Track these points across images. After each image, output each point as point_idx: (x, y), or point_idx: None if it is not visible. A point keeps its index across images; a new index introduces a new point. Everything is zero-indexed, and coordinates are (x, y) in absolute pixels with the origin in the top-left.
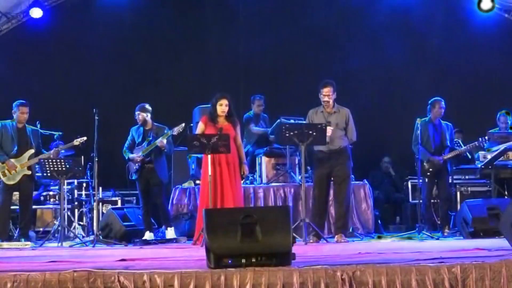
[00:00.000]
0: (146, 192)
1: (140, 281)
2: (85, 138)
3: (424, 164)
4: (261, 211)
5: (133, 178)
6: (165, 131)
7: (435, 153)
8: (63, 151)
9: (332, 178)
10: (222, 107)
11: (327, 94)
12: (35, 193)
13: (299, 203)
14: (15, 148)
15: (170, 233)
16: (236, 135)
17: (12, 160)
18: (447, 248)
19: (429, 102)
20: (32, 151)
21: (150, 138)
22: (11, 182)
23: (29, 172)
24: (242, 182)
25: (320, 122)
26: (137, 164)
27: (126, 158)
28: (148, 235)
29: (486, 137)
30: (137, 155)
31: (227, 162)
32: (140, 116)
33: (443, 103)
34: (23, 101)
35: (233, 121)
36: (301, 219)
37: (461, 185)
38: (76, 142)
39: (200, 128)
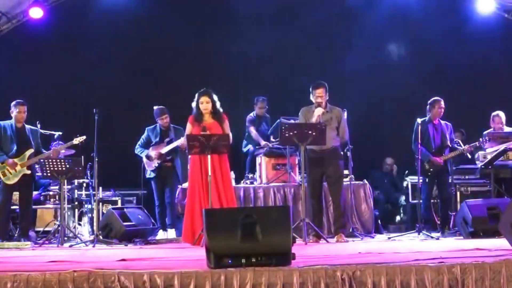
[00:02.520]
0: (162, 191)
1: (140, 281)
2: (84, 137)
3: (425, 164)
4: (261, 211)
5: (151, 176)
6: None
7: (436, 153)
8: (63, 150)
9: (325, 178)
10: (204, 105)
11: (319, 95)
12: (35, 193)
13: (299, 203)
14: (15, 148)
15: (171, 233)
16: (223, 131)
17: (12, 159)
18: (447, 248)
19: (428, 102)
20: (31, 150)
21: (172, 138)
22: (11, 182)
23: (29, 172)
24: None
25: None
26: (156, 162)
27: (141, 155)
28: (162, 234)
29: (487, 138)
30: (156, 152)
31: (213, 160)
32: (168, 119)
33: (442, 103)
34: (21, 100)
35: (219, 118)
36: (301, 219)
37: (461, 185)
38: (76, 141)
39: (188, 128)
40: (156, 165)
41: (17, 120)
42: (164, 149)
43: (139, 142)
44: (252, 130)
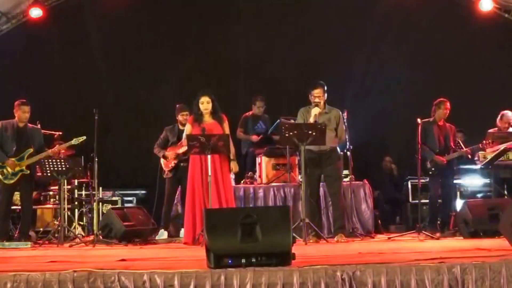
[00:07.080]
0: (175, 191)
1: (140, 281)
2: (84, 137)
3: (427, 163)
4: (261, 211)
5: (168, 176)
6: None
7: (439, 154)
8: (63, 151)
9: (324, 179)
10: (204, 105)
11: (317, 95)
12: (35, 193)
13: (299, 203)
14: (14, 148)
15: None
16: (223, 132)
17: (12, 159)
18: (447, 248)
19: (434, 103)
20: (31, 150)
21: None
22: (10, 182)
23: (28, 172)
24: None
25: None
26: (173, 162)
27: (159, 155)
28: (165, 234)
29: (491, 140)
30: (172, 152)
31: (213, 161)
32: (188, 116)
33: (448, 104)
34: (24, 100)
35: (219, 118)
36: (301, 219)
37: (461, 185)
38: (75, 141)
39: (187, 129)
40: (173, 165)
41: (20, 120)
42: (181, 149)
43: (157, 142)
44: (240, 134)
